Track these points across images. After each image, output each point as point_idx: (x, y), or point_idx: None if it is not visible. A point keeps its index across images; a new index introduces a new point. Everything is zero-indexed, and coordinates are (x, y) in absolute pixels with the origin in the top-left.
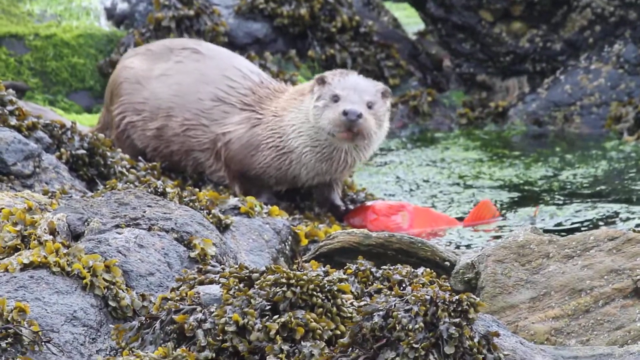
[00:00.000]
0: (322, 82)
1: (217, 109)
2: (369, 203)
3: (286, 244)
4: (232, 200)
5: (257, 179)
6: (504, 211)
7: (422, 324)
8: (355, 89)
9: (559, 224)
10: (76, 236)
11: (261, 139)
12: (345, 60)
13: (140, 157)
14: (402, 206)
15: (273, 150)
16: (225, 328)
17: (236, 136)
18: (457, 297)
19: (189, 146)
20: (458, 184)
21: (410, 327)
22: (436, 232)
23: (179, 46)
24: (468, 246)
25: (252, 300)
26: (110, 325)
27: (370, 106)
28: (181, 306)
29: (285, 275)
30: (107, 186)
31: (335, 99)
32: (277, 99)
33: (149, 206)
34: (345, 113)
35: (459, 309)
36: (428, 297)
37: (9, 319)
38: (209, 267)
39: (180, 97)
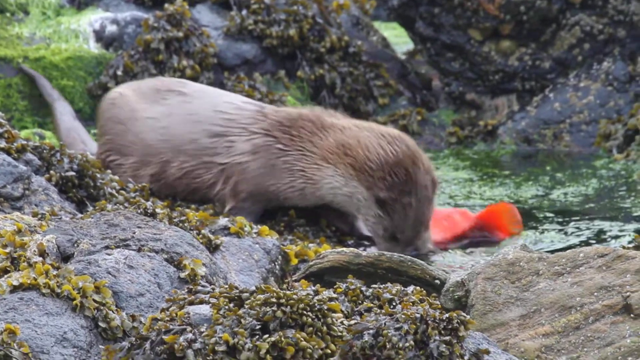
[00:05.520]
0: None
1: (219, 144)
2: None
3: (276, 263)
4: (222, 221)
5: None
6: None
7: (412, 342)
8: None
9: (549, 242)
10: (66, 258)
11: (288, 172)
12: (334, 80)
13: (129, 179)
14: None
15: (301, 179)
16: (216, 348)
17: (254, 166)
18: (447, 315)
19: (194, 187)
20: (449, 204)
21: (401, 345)
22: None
23: (164, 88)
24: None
25: (242, 320)
26: (101, 346)
27: None
28: (171, 326)
29: (275, 294)
30: (97, 208)
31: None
32: (322, 137)
33: (138, 227)
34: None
35: (449, 326)
36: (418, 316)
37: None
38: (199, 288)
39: (169, 142)
